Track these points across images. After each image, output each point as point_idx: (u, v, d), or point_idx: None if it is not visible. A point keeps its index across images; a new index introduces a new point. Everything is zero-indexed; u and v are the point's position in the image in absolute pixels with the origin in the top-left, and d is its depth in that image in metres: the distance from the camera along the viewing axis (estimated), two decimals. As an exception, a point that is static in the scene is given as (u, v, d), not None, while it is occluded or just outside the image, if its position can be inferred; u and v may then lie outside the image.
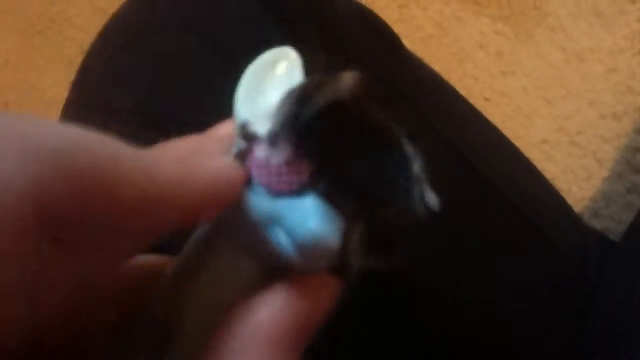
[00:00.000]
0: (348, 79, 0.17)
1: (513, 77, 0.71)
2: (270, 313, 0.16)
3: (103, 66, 0.44)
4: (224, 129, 0.19)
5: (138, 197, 0.15)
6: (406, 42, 0.48)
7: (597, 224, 0.66)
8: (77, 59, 0.85)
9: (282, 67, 0.19)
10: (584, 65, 0.71)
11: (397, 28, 0.49)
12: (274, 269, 0.17)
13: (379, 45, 0.44)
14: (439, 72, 0.50)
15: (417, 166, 0.18)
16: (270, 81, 0.19)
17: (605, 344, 0.43)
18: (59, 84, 0.85)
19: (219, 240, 0.18)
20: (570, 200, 0.66)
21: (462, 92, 0.50)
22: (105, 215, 0.14)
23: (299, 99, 0.17)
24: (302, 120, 0.17)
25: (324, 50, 0.40)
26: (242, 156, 0.17)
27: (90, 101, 0.43)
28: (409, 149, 0.18)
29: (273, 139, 0.17)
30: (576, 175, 0.69)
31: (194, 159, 0.17)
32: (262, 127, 0.17)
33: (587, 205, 0.68)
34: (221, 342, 0.16)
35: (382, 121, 0.18)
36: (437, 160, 0.43)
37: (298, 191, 0.17)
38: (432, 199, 0.18)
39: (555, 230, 0.47)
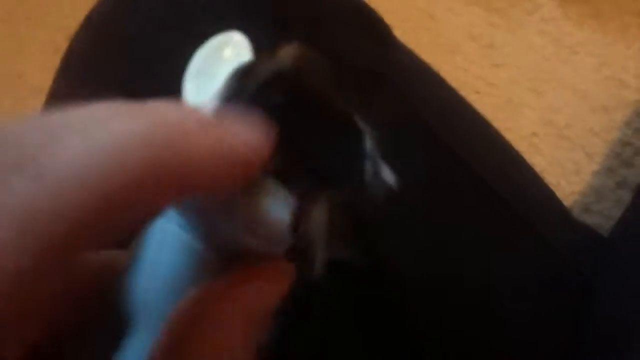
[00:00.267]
0: (289, 50, 0.17)
1: (503, 69, 0.71)
2: (225, 305, 0.16)
3: (86, 55, 0.43)
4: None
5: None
6: (397, 33, 0.47)
7: (587, 219, 0.65)
8: (64, 46, 0.84)
9: (229, 52, 0.19)
10: (575, 58, 0.71)
11: (388, 19, 0.49)
12: (232, 257, 0.17)
13: (369, 36, 0.43)
14: (429, 64, 0.49)
15: (369, 142, 0.17)
16: (218, 66, 0.19)
17: (601, 341, 0.43)
18: (45, 71, 0.83)
19: (176, 230, 0.18)
20: (559, 194, 0.65)
21: (453, 83, 0.49)
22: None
23: (242, 74, 0.17)
24: (245, 94, 0.16)
25: (310, 40, 0.39)
26: None
27: (74, 89, 0.42)
28: (359, 123, 0.17)
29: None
30: (565, 169, 0.68)
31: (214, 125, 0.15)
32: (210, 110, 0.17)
33: (577, 200, 0.67)
34: (181, 336, 0.16)
35: (329, 94, 0.17)
36: (425, 153, 0.43)
37: (260, 175, 0.16)
38: (387, 176, 0.18)
39: (546, 226, 0.47)
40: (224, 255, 0.17)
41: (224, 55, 0.19)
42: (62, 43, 0.89)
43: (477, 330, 0.41)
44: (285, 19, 0.39)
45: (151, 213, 0.16)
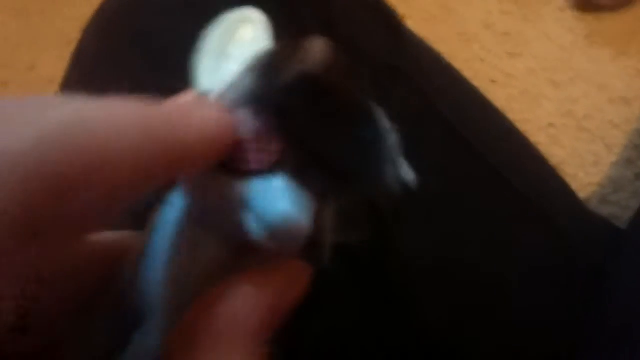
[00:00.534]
0: (318, 49, 0.16)
1: (520, 59, 0.69)
2: (243, 304, 0.16)
3: (98, 47, 0.43)
4: (184, 101, 0.18)
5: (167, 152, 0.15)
6: (410, 23, 0.47)
7: (604, 210, 0.64)
8: (76, 38, 0.84)
9: (247, 31, 0.18)
10: (593, 47, 0.69)
11: (401, 9, 0.48)
12: (244, 250, 0.17)
13: (380, 27, 0.43)
14: (443, 54, 0.48)
15: (391, 141, 0.17)
16: (234, 47, 0.18)
17: (614, 330, 0.43)
18: (58, 63, 0.83)
19: (188, 222, 0.17)
20: (577, 185, 0.65)
21: (468, 73, 0.48)
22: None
23: (265, 71, 0.16)
24: (268, 95, 0.15)
25: (322, 31, 0.39)
26: None
27: (85, 81, 0.42)
28: (383, 123, 0.17)
29: (237, 114, 0.16)
30: (584, 160, 0.67)
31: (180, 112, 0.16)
32: (226, 98, 0.16)
33: (595, 191, 0.66)
34: (196, 333, 0.15)
35: (355, 94, 0.16)
36: (440, 144, 0.43)
37: (267, 171, 0.16)
38: (408, 174, 0.17)
39: (561, 217, 0.46)
40: (235, 249, 0.17)
41: (241, 34, 0.18)
42: (74, 35, 0.89)
43: (485, 322, 0.41)
44: (298, 11, 0.39)
45: (138, 191, 0.15)
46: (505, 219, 0.43)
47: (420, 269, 0.39)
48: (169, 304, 0.16)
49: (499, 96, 0.65)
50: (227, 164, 0.16)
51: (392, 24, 0.44)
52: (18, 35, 0.88)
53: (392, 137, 0.17)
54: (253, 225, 0.16)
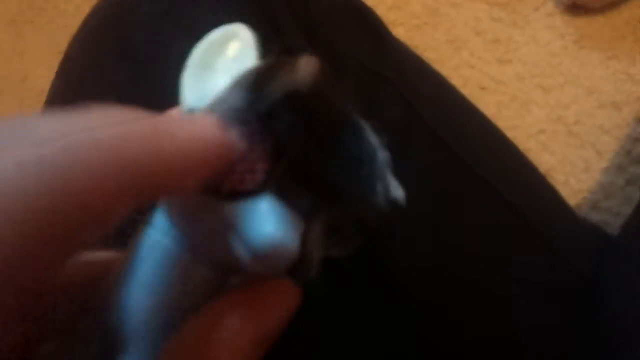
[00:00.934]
0: (306, 67, 0.15)
1: (510, 65, 0.69)
2: (231, 328, 0.16)
3: (85, 57, 0.43)
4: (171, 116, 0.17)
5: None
6: (400, 30, 0.47)
7: (595, 217, 0.64)
8: (62, 40, 0.84)
9: (233, 48, 0.18)
10: (583, 53, 0.69)
11: (391, 16, 0.48)
12: (232, 271, 0.16)
13: (363, 34, 0.43)
14: (433, 61, 0.48)
15: (380, 157, 0.16)
16: (221, 63, 0.17)
17: (607, 338, 0.43)
18: (50, 73, 0.83)
19: (177, 248, 0.17)
20: (567, 192, 0.64)
21: (458, 80, 0.48)
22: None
23: (251, 88, 0.15)
24: (254, 112, 0.15)
25: (303, 38, 0.38)
26: None
27: (71, 93, 0.42)
28: (372, 139, 0.17)
29: (228, 131, 0.15)
30: (574, 167, 0.67)
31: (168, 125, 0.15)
32: (212, 114, 0.16)
33: (586, 198, 0.66)
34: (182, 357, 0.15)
35: (343, 111, 0.16)
36: (424, 153, 0.42)
37: (253, 192, 0.15)
38: (397, 192, 0.17)
39: (550, 228, 0.46)
40: (221, 271, 0.17)
41: (228, 50, 0.18)
42: (66, 45, 0.89)
43: (480, 329, 0.41)
44: (281, 18, 0.39)
45: (121, 213, 0.15)
46: (493, 230, 0.43)
47: (410, 282, 0.39)
48: (154, 332, 0.16)
49: (489, 103, 0.65)
50: (212, 184, 0.15)
51: (375, 31, 0.44)
52: (9, 46, 0.88)
53: (381, 153, 0.16)
54: (240, 249, 0.15)
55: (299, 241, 0.16)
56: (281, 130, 0.15)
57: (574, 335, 0.43)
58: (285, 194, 0.15)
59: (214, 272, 0.17)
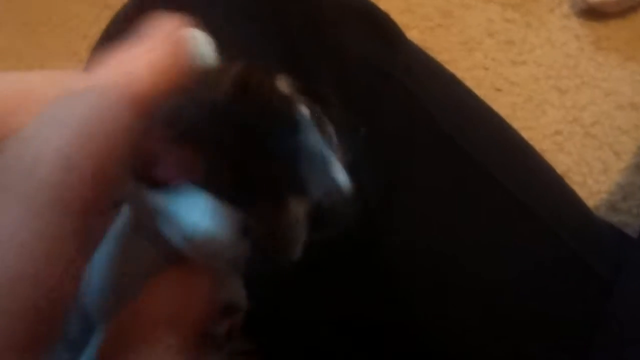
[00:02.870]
0: (232, 75, 0.17)
1: (524, 67, 0.69)
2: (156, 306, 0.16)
3: None
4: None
5: None
6: (414, 32, 0.47)
7: (614, 218, 0.63)
8: (81, 49, 0.85)
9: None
10: (600, 54, 0.68)
11: (405, 19, 0.48)
12: (178, 258, 0.17)
13: (375, 36, 0.43)
14: (447, 62, 0.48)
15: (317, 149, 0.17)
16: None
17: (623, 343, 0.42)
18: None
19: (127, 232, 0.18)
20: (585, 193, 0.63)
21: (472, 82, 0.48)
22: None
23: (188, 91, 0.17)
24: (188, 112, 0.16)
25: (311, 39, 0.39)
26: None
27: None
28: (312, 134, 0.17)
29: (157, 135, 0.16)
30: (591, 168, 0.66)
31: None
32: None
33: (604, 199, 0.65)
34: (121, 336, 0.16)
35: (277, 109, 0.17)
36: (437, 153, 0.42)
37: (186, 183, 0.16)
38: (342, 179, 0.17)
39: (563, 225, 0.46)
40: (170, 257, 0.17)
41: None
42: (80, 47, 0.90)
43: (485, 332, 0.41)
44: (288, 20, 0.39)
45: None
46: (503, 229, 0.42)
47: (413, 275, 0.39)
48: (106, 313, 0.17)
49: (503, 104, 0.64)
50: (146, 174, 0.16)
51: (386, 32, 0.45)
52: (30, 54, 0.89)
53: (322, 146, 0.17)
54: (175, 237, 0.16)
55: (235, 232, 0.16)
56: (210, 130, 0.16)
57: (590, 334, 0.42)
58: (217, 187, 0.16)
59: (164, 256, 0.17)
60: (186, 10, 0.41)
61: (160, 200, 0.16)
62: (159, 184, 0.16)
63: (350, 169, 0.36)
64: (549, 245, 0.43)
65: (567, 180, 0.61)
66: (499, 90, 0.67)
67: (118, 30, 0.43)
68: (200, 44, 0.18)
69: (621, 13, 0.69)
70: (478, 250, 0.41)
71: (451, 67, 0.48)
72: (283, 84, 0.18)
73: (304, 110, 0.17)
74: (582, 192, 0.57)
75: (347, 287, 0.39)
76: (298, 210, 0.17)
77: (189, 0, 0.41)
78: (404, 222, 0.40)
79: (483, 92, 0.48)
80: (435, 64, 0.48)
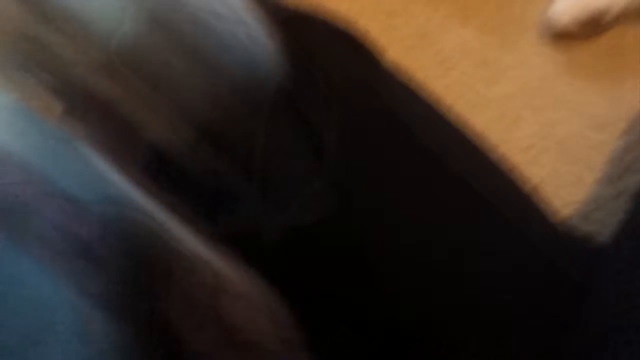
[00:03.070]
0: None
1: (499, 85, 0.73)
2: None
3: None
4: None
5: None
6: (393, 51, 0.50)
7: (586, 227, 0.67)
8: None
9: None
10: (571, 74, 0.73)
11: (382, 39, 0.51)
12: None
13: (356, 58, 0.47)
14: (424, 81, 0.51)
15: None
16: None
17: (591, 344, 0.44)
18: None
19: None
20: (559, 204, 0.67)
21: (449, 98, 0.51)
22: None
23: None
24: None
25: (304, 62, 0.42)
26: None
27: None
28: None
29: None
30: (564, 180, 0.70)
31: None
32: None
33: (576, 210, 0.69)
34: None
35: None
36: (414, 161, 0.45)
37: None
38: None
39: (535, 232, 0.48)
40: None
41: None
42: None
43: (460, 340, 0.43)
44: (284, 45, 0.42)
45: None
46: (475, 235, 0.45)
47: (392, 275, 0.41)
48: None
49: (479, 119, 0.67)
50: None
51: (366, 55, 0.48)
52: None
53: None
54: None
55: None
56: None
57: (557, 338, 0.44)
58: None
59: None
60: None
61: None
62: None
63: (334, 176, 0.39)
64: (520, 247, 0.46)
65: (541, 191, 0.64)
66: (474, 106, 0.70)
67: None
68: None
69: (589, 35, 0.73)
70: (454, 251, 0.44)
71: (428, 85, 0.51)
72: None
73: None
74: (555, 203, 0.60)
75: (328, 285, 0.41)
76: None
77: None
78: (384, 225, 0.42)
79: (459, 108, 0.51)
80: (411, 83, 0.51)
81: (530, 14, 0.75)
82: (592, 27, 0.73)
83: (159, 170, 0.38)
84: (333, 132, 0.42)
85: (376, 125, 0.45)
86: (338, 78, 0.45)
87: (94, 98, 0.27)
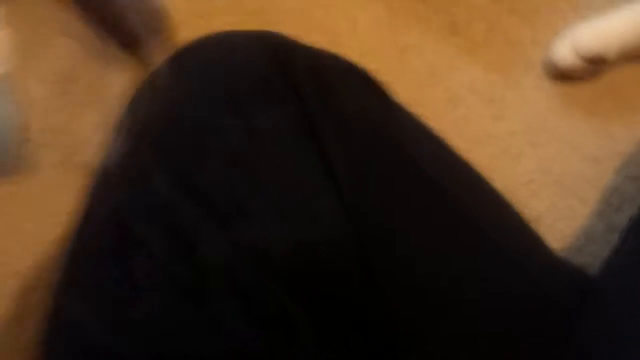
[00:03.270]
0: None
1: (502, 122, 0.77)
2: None
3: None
4: None
5: None
6: (403, 89, 0.54)
7: (580, 260, 0.70)
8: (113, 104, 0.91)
9: None
10: (567, 111, 0.77)
11: (395, 75, 0.55)
12: None
13: (369, 95, 0.50)
14: (432, 115, 0.55)
15: None
16: None
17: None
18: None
19: None
20: (555, 236, 0.71)
21: (454, 133, 0.55)
22: None
23: None
24: None
25: (320, 96, 0.45)
26: None
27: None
28: None
29: None
30: (561, 213, 0.74)
31: None
32: None
33: (571, 242, 0.72)
34: None
35: None
36: (420, 193, 0.48)
37: None
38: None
39: (535, 267, 0.52)
40: None
41: None
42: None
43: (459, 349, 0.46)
44: (297, 79, 0.46)
45: None
46: (480, 262, 0.48)
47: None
48: None
49: (483, 154, 0.72)
50: None
51: (379, 92, 0.52)
52: (58, 100, 0.95)
53: None
54: None
55: None
56: None
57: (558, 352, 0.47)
58: None
59: None
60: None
61: None
62: None
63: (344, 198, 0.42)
64: (518, 277, 0.49)
65: (539, 224, 0.69)
66: (479, 142, 0.75)
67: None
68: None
69: (590, 75, 0.78)
70: (457, 279, 0.47)
71: (436, 120, 0.55)
72: None
73: None
74: (552, 235, 0.64)
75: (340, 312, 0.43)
76: None
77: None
78: (394, 253, 0.46)
79: (465, 143, 0.55)
80: (419, 119, 0.55)
81: (536, 53, 0.79)
82: (593, 68, 0.77)
83: None
84: (342, 156, 0.44)
85: (385, 157, 0.48)
86: (350, 109, 0.48)
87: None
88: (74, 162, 0.86)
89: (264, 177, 0.42)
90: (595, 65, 0.76)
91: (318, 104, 0.45)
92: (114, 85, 0.90)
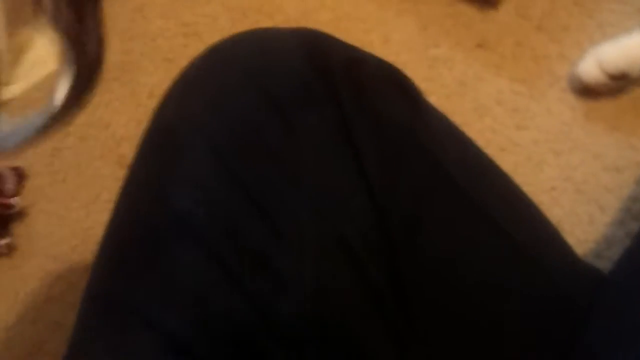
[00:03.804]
0: None
1: (527, 131, 0.80)
2: None
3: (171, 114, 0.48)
4: None
5: None
6: (434, 98, 0.57)
7: (598, 264, 0.72)
8: (145, 101, 0.98)
9: None
10: (590, 122, 0.80)
11: (425, 85, 0.58)
12: None
13: (402, 98, 0.51)
14: (459, 124, 0.58)
15: None
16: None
17: None
18: (130, 122, 0.96)
19: None
20: (574, 241, 0.73)
21: (480, 142, 0.57)
22: None
23: None
24: None
25: (353, 95, 0.46)
26: None
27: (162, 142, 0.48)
28: None
29: None
30: (580, 220, 0.76)
31: None
32: None
33: (590, 247, 0.75)
34: None
35: None
36: (450, 202, 0.50)
37: None
38: None
39: (555, 268, 0.52)
40: None
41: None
42: (145, 99, 1.02)
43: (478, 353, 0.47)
44: (334, 81, 0.46)
45: None
46: (507, 270, 0.49)
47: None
48: None
49: (507, 162, 0.74)
50: None
51: (411, 96, 0.52)
52: (97, 98, 1.01)
53: None
54: None
55: None
56: None
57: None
58: None
59: None
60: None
61: None
62: None
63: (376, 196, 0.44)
64: (539, 279, 0.50)
65: (559, 229, 0.71)
66: (503, 150, 0.78)
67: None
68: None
69: (610, 92, 0.80)
70: (482, 286, 0.48)
71: (464, 128, 0.57)
72: None
73: None
74: (571, 240, 0.66)
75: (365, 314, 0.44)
76: None
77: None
78: (420, 261, 0.46)
79: (490, 151, 0.57)
80: (453, 126, 0.55)
81: (561, 67, 0.82)
82: (616, 84, 0.80)
83: None
84: (373, 156, 0.44)
85: (414, 159, 0.48)
86: (383, 110, 0.48)
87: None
88: (115, 154, 0.91)
89: (304, 175, 0.43)
90: (619, 82, 0.79)
91: (353, 106, 0.46)
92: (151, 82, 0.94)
